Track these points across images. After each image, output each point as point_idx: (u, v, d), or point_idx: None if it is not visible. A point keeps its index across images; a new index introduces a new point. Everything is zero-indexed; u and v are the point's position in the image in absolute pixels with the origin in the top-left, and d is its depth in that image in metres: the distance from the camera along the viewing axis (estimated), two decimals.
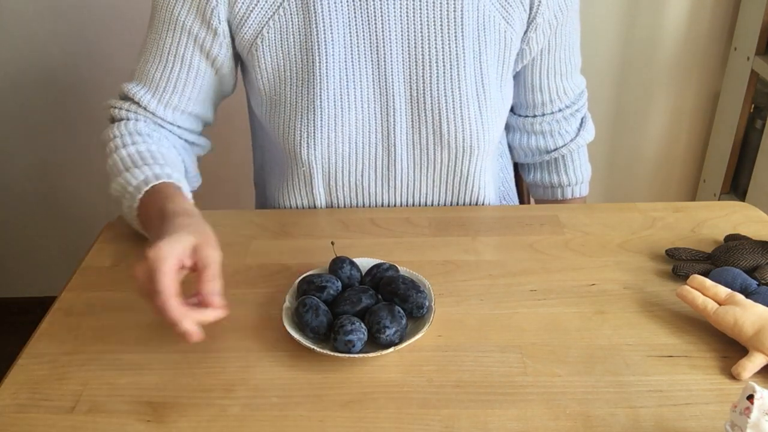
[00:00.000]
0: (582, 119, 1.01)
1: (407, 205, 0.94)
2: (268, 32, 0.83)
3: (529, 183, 1.08)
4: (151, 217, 0.73)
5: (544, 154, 1.01)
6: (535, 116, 0.98)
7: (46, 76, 1.71)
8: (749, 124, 1.66)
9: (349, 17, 0.82)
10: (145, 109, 0.87)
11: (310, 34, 0.82)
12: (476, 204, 0.95)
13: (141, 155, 0.81)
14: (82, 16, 1.63)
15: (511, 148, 1.06)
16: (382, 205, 0.94)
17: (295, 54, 0.83)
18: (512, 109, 0.99)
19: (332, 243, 0.81)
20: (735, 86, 1.66)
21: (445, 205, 0.94)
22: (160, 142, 0.86)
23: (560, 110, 0.97)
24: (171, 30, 0.84)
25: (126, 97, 0.89)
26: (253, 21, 0.82)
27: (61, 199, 1.88)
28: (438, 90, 0.85)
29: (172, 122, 0.89)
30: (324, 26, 0.82)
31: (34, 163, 1.82)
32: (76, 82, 1.71)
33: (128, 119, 0.87)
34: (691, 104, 1.78)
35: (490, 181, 0.96)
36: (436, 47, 0.83)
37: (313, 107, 0.84)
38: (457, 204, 0.94)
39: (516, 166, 1.16)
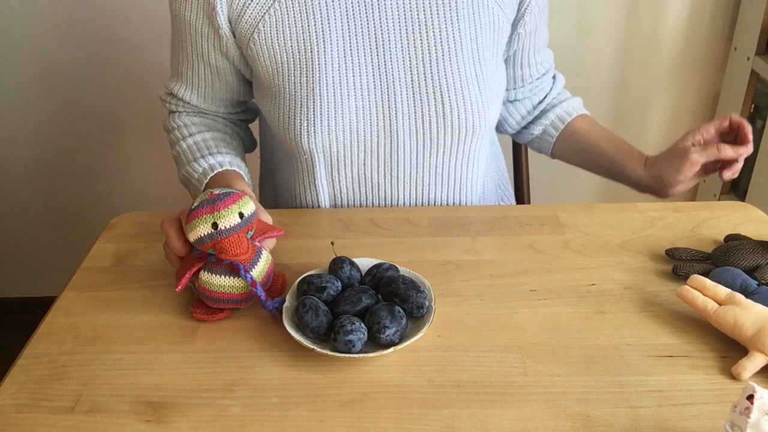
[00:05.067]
0: (553, 77, 1.06)
1: (410, 196, 0.95)
2: (264, 26, 0.84)
3: (532, 142, 1.09)
4: None
5: (527, 115, 1.05)
6: (515, 88, 1.03)
7: (47, 76, 1.71)
8: (749, 124, 1.66)
9: (346, 6, 0.84)
10: (188, 103, 0.96)
11: (308, 25, 0.84)
12: (475, 186, 0.96)
13: (198, 147, 0.91)
14: (83, 17, 1.63)
15: (500, 124, 1.09)
16: (385, 196, 0.94)
17: (292, 45, 0.85)
18: None
19: (332, 243, 0.81)
20: (735, 86, 1.66)
21: (446, 191, 0.95)
22: (212, 126, 0.97)
23: (538, 78, 1.03)
24: (188, 33, 0.88)
25: (171, 93, 0.97)
26: (250, 16, 0.84)
27: (61, 199, 1.88)
28: (439, 73, 0.86)
29: (216, 111, 0.98)
30: (322, 15, 0.83)
31: (34, 163, 1.83)
32: (77, 82, 1.71)
33: (179, 111, 0.98)
34: (691, 104, 1.78)
35: (485, 161, 0.98)
36: (433, 31, 0.85)
37: (313, 95, 0.85)
38: (460, 188, 0.95)
39: (516, 163, 1.17)
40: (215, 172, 0.86)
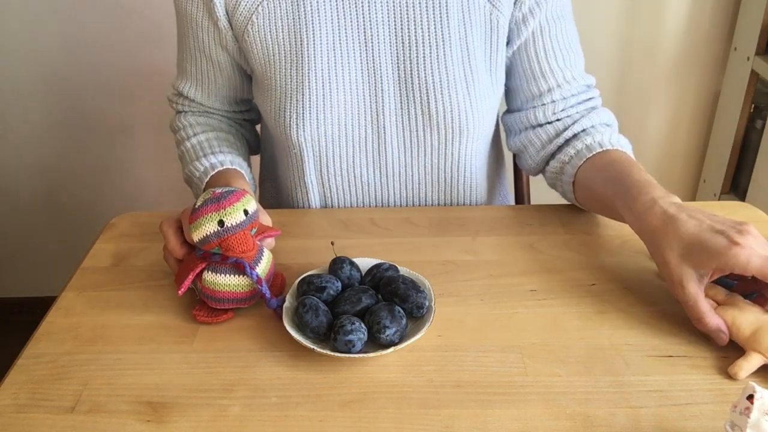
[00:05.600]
0: (591, 107, 0.91)
1: (400, 196, 0.95)
2: (257, 18, 0.85)
3: (555, 184, 0.93)
4: None
5: (547, 143, 0.91)
6: (535, 107, 0.91)
7: (47, 75, 1.71)
8: (749, 124, 1.66)
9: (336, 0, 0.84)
10: (193, 101, 0.97)
11: (299, 18, 0.84)
12: (469, 190, 0.96)
13: (201, 146, 0.91)
14: (83, 18, 1.63)
15: (517, 157, 1.00)
16: (375, 195, 0.94)
17: (283, 37, 0.85)
18: (514, 110, 0.96)
19: (332, 243, 0.81)
20: (735, 86, 1.66)
21: (437, 192, 0.95)
22: (216, 126, 0.97)
23: (564, 99, 0.89)
24: (190, 28, 0.89)
25: (178, 92, 0.98)
26: (244, 7, 0.85)
27: (61, 199, 1.88)
28: (425, 71, 0.86)
29: (219, 108, 0.98)
30: (312, 8, 0.84)
31: (34, 163, 1.83)
32: (77, 82, 1.71)
33: (183, 111, 0.98)
34: (691, 104, 1.78)
35: (482, 166, 0.97)
36: (422, 28, 0.85)
37: (302, 88, 0.86)
38: (450, 191, 0.95)
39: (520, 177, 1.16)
40: (215, 170, 0.86)
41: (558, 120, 0.90)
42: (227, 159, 0.88)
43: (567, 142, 0.89)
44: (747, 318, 0.64)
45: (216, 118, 0.99)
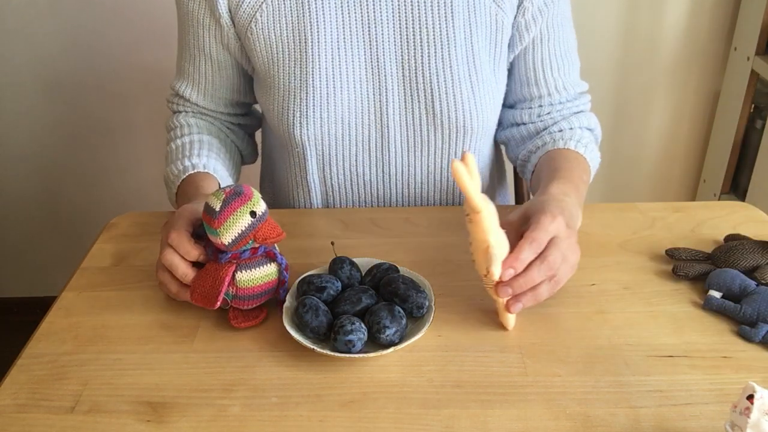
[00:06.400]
0: (576, 112, 0.94)
1: (402, 195, 0.95)
2: (261, 16, 0.85)
3: (522, 171, 0.99)
4: (181, 202, 0.84)
5: (527, 140, 0.96)
6: (522, 108, 0.94)
7: (47, 76, 1.71)
8: (749, 124, 1.66)
9: None
10: (188, 101, 0.96)
11: (303, 16, 0.84)
12: None
13: (184, 147, 0.90)
14: (83, 18, 1.63)
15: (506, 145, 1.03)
16: (378, 195, 0.94)
17: (287, 36, 0.85)
18: (503, 106, 0.97)
19: (332, 243, 0.81)
20: (735, 86, 1.66)
21: (439, 192, 0.95)
22: (206, 129, 0.95)
23: (551, 105, 0.93)
24: (191, 26, 0.89)
25: (175, 92, 0.97)
26: (248, 5, 0.85)
27: (62, 199, 1.88)
28: (430, 70, 0.86)
29: (214, 110, 0.97)
30: (317, 6, 0.84)
31: (34, 163, 1.83)
32: (77, 82, 1.71)
33: (179, 112, 0.97)
34: (691, 104, 1.78)
35: (484, 167, 0.97)
36: (427, 28, 0.85)
37: (306, 87, 0.86)
38: (452, 191, 0.95)
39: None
40: (188, 174, 0.85)
41: (541, 121, 0.94)
42: (200, 162, 0.87)
43: (541, 137, 0.93)
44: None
45: (209, 120, 0.98)
